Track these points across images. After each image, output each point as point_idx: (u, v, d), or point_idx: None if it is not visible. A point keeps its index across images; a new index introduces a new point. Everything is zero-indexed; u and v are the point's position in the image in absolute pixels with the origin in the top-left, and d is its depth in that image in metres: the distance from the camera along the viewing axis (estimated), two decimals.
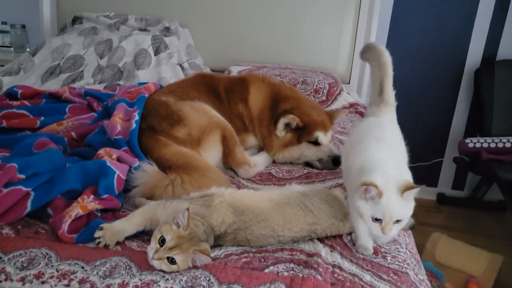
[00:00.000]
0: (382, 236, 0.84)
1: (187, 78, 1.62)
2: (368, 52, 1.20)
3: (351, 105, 2.20)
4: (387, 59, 1.12)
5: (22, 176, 0.90)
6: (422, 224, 2.57)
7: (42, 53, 2.23)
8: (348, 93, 2.36)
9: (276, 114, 1.40)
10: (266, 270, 0.82)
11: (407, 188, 0.79)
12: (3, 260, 0.79)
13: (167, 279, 0.77)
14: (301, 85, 2.19)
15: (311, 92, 2.19)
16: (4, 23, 3.02)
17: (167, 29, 2.52)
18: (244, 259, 0.86)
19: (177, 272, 0.79)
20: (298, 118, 1.36)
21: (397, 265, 0.88)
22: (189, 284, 0.76)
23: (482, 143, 2.53)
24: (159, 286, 0.76)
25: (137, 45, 2.26)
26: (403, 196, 0.80)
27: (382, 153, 0.91)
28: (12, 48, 2.92)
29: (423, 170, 2.96)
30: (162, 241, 0.79)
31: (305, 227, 0.94)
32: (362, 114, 2.17)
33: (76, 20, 2.64)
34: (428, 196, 3.06)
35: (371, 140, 0.96)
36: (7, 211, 0.87)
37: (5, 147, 1.21)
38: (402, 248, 0.96)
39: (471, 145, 2.55)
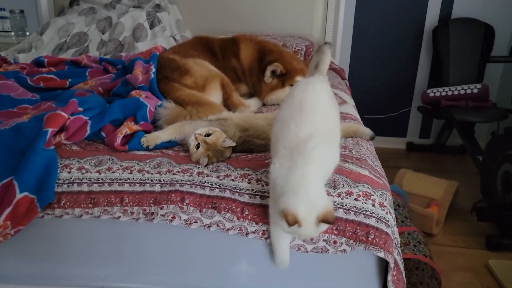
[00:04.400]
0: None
1: (187, 40, 1.93)
2: (317, 50, 1.18)
3: None
4: (327, 58, 1.13)
5: (81, 109, 1.22)
6: (393, 167, 2.95)
7: (49, 32, 2.49)
8: None
9: (263, 65, 1.72)
10: (266, 161, 1.16)
11: (324, 220, 0.84)
12: (80, 162, 1.11)
13: (199, 167, 1.11)
14: None
15: None
16: (2, 9, 3.22)
17: (158, 6, 2.79)
18: (250, 157, 1.19)
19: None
20: (282, 66, 1.69)
21: (359, 155, 1.23)
22: (215, 169, 1.10)
23: (441, 92, 2.91)
24: (193, 171, 1.09)
25: (134, 20, 2.54)
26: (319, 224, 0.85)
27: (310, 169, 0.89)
28: (12, 33, 3.14)
29: (393, 121, 3.35)
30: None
31: None
32: (335, 70, 2.51)
33: (73, 2, 2.88)
34: (399, 145, 3.45)
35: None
36: (73, 133, 1.18)
37: (49, 100, 1.51)
38: (363, 148, 1.31)
39: (431, 94, 2.93)
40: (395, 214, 1.89)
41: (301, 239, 0.88)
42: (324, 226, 0.87)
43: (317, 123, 0.95)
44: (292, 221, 0.84)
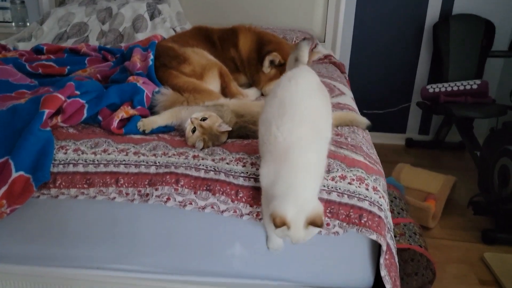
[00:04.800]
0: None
1: (186, 30, 1.93)
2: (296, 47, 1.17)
3: (326, 56, 2.54)
4: (305, 53, 1.12)
5: (78, 92, 1.22)
6: (391, 162, 2.95)
7: (49, 22, 2.49)
8: (324, 49, 2.70)
9: (262, 55, 1.73)
10: None
11: (313, 223, 0.85)
12: (77, 144, 1.11)
13: (194, 150, 1.11)
14: None
15: None
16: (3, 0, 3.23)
17: None
18: (246, 142, 1.20)
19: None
20: (280, 56, 1.69)
21: (354, 142, 1.23)
22: (210, 153, 1.10)
23: (440, 88, 2.91)
24: (189, 154, 1.09)
25: (134, 11, 2.54)
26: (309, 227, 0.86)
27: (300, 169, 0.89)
28: (13, 23, 3.15)
29: (392, 116, 3.35)
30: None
31: None
32: (335, 64, 2.51)
33: None
34: (398, 141, 3.45)
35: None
36: (70, 117, 1.19)
37: (47, 86, 1.51)
38: (359, 136, 1.31)
39: (431, 90, 2.93)
40: (391, 205, 1.90)
41: (293, 242, 0.89)
42: (314, 230, 0.88)
43: (300, 125, 0.92)
44: (280, 223, 0.84)
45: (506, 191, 2.08)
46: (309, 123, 0.93)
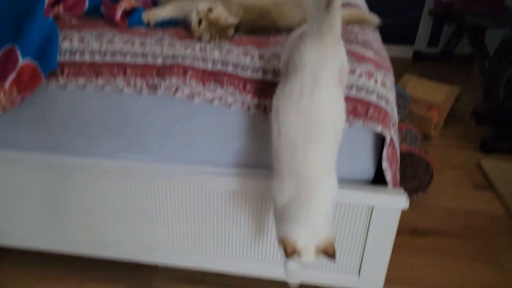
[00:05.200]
0: None
1: None
2: None
3: None
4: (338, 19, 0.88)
5: None
6: (398, 75, 2.91)
7: None
8: None
9: None
10: (270, 41, 1.14)
11: (324, 252, 0.85)
12: (81, 34, 1.09)
13: (201, 43, 1.09)
14: None
15: None
16: None
17: None
18: (253, 38, 1.17)
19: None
20: None
21: (364, 40, 1.20)
22: (217, 45, 1.08)
23: None
24: (196, 46, 1.07)
25: None
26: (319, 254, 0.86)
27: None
28: None
29: (402, 27, 3.23)
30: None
31: (296, 19, 1.24)
32: None
33: None
34: (406, 54, 3.37)
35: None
36: (72, 6, 1.15)
37: None
38: (369, 34, 1.27)
39: None
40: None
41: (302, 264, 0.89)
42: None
43: (328, 151, 0.88)
44: (291, 251, 0.84)
45: (510, 101, 2.08)
46: (334, 143, 0.88)
